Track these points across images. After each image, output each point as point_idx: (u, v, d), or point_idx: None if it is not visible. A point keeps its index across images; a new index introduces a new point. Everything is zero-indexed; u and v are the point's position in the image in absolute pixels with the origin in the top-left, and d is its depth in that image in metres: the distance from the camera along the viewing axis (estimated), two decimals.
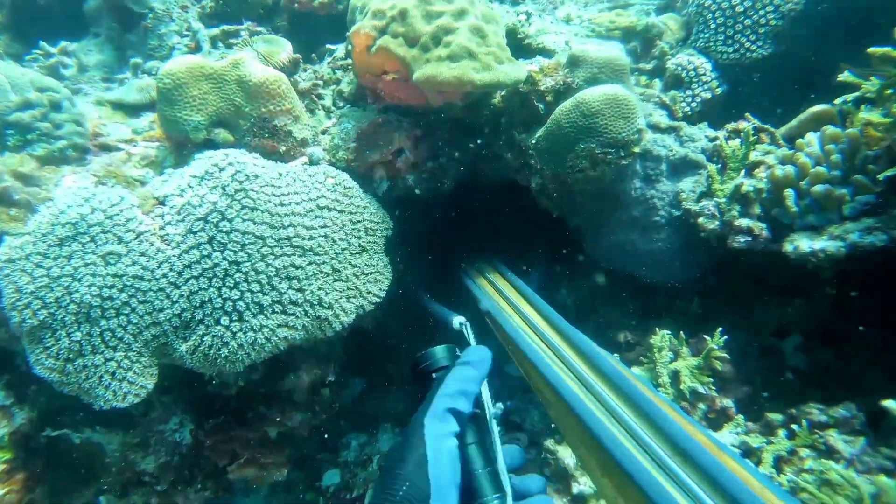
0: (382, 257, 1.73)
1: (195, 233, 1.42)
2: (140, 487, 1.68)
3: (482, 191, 2.05)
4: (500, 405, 0.98)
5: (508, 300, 1.55)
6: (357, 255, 1.66)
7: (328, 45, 2.12)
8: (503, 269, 1.80)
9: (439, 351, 1.03)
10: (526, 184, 1.82)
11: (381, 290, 1.68)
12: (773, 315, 1.71)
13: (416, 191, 1.86)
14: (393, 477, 0.72)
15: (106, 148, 1.72)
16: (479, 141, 1.81)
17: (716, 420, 1.54)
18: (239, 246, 1.43)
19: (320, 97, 1.96)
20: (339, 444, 2.42)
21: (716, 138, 1.69)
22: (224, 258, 1.42)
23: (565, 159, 1.57)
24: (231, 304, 1.42)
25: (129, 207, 1.43)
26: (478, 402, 0.95)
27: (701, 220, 1.53)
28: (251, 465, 1.85)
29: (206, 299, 1.41)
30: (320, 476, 2.34)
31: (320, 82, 1.95)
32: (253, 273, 1.45)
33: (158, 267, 1.40)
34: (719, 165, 1.59)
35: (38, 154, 1.57)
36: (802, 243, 1.39)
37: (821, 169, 1.43)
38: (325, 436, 2.20)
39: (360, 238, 1.67)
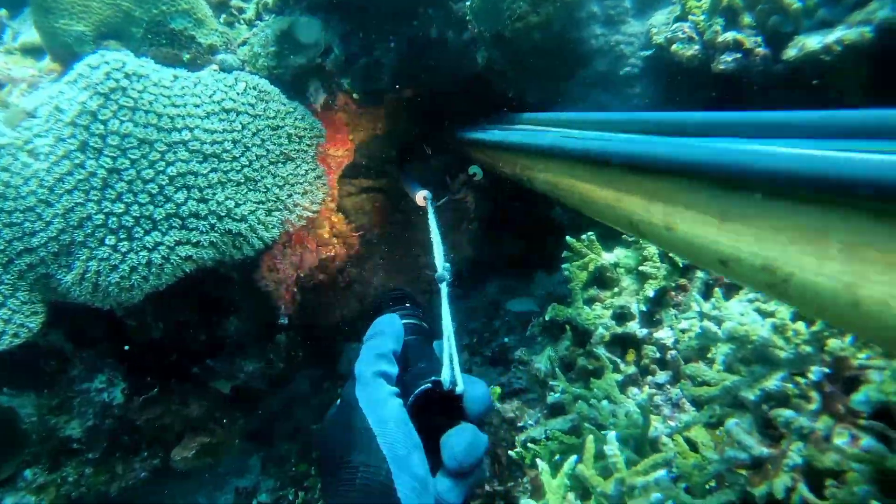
0: (315, 167, 1.48)
1: (64, 140, 1.20)
2: (71, 457, 1.47)
3: (440, 94, 1.78)
4: (447, 266, 1.01)
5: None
6: (279, 165, 1.41)
7: None
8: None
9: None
10: (476, 70, 1.54)
11: (312, 202, 1.43)
12: None
13: (354, 95, 1.61)
14: (343, 467, 0.65)
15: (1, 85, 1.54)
16: (414, 23, 1.54)
17: None
18: (118, 151, 1.21)
19: (241, 11, 1.74)
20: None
21: None
22: (100, 165, 1.20)
23: (502, 8, 1.28)
24: (116, 219, 1.20)
25: None
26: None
27: (675, 47, 1.20)
28: (202, 455, 1.64)
29: (85, 216, 1.19)
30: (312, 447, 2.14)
31: None
32: (139, 182, 1.22)
33: (25, 183, 1.19)
34: None
35: None
36: (810, 41, 1.05)
37: None
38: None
39: (281, 146, 1.42)
